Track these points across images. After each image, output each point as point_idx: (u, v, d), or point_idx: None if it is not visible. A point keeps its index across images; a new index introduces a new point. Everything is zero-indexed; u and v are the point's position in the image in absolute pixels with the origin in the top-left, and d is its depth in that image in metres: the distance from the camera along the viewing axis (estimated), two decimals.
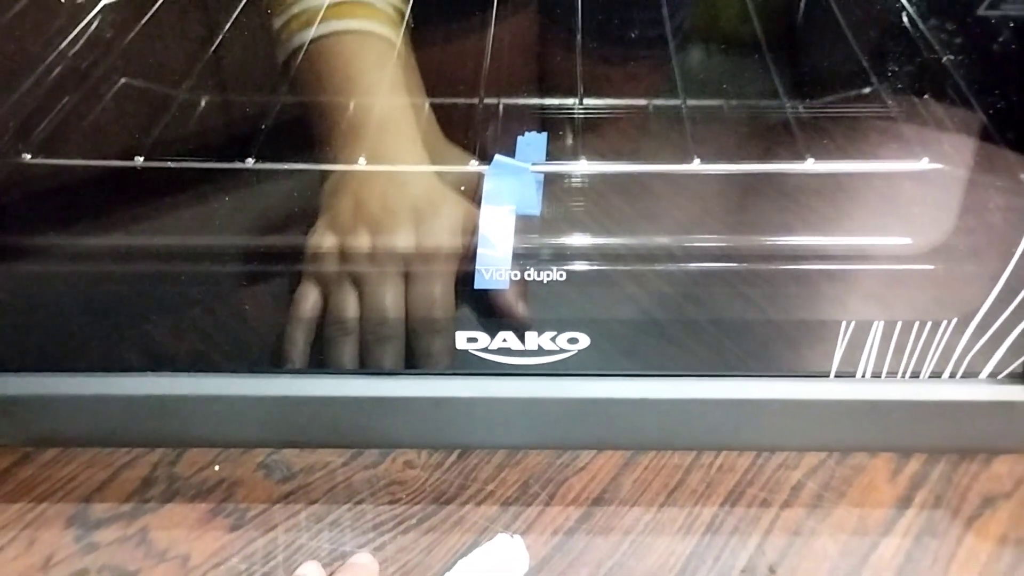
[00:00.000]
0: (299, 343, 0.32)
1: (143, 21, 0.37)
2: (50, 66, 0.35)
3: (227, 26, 0.37)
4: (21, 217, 0.32)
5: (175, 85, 0.38)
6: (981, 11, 0.29)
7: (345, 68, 0.36)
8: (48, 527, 0.34)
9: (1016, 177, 0.30)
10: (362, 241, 0.33)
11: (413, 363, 0.32)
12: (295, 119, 0.36)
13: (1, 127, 0.33)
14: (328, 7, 0.36)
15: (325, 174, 0.34)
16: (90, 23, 0.38)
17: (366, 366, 0.33)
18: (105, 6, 0.41)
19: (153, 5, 0.39)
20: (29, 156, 0.31)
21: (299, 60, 0.35)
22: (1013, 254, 0.30)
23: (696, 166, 0.32)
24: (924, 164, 0.32)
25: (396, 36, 0.36)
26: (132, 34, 0.37)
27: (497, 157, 0.33)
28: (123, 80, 0.39)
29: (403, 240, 0.33)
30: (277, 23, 0.37)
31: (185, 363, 0.33)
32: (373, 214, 0.33)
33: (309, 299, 0.32)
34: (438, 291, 0.32)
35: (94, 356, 0.33)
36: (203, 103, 0.37)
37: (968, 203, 0.31)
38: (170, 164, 0.31)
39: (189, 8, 0.39)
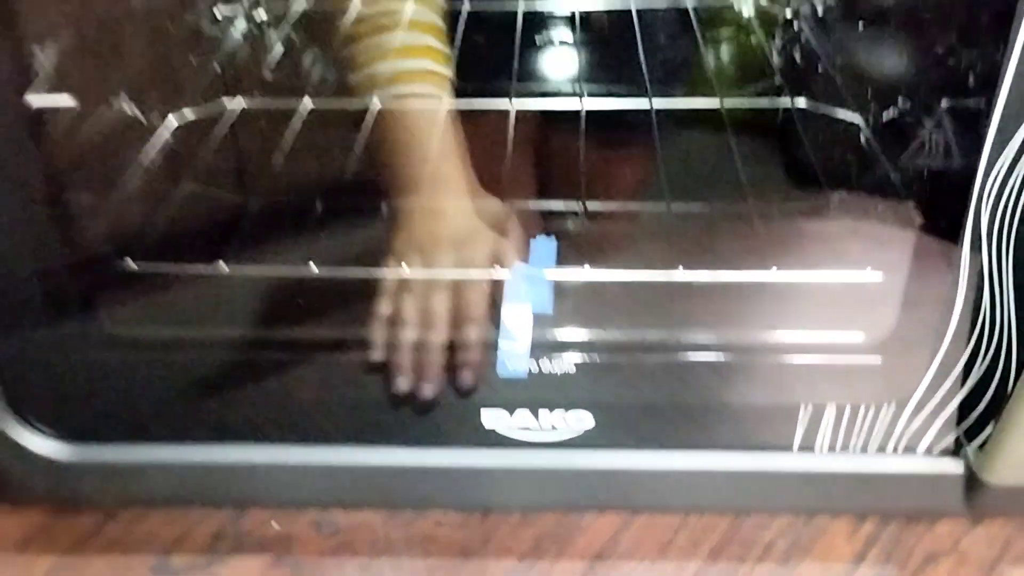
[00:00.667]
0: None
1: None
2: (137, 178, 0.43)
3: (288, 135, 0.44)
4: (119, 313, 0.39)
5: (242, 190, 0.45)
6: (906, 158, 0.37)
7: (412, 127, 0.44)
8: None
9: (944, 279, 0.37)
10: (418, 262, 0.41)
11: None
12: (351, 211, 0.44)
13: (101, 236, 0.40)
14: (400, 72, 0.44)
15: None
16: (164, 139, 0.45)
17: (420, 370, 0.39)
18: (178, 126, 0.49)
19: (221, 124, 0.47)
20: (131, 261, 0.38)
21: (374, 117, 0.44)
22: (940, 347, 0.37)
23: (680, 272, 0.40)
24: (871, 274, 0.39)
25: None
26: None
27: (516, 264, 0.40)
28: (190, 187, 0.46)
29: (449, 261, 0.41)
30: (352, 80, 0.45)
31: (248, 434, 0.40)
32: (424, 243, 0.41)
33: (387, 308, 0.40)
34: (475, 299, 0.40)
35: (173, 428, 0.40)
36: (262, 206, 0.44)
37: (907, 304, 0.38)
38: (250, 271, 0.38)
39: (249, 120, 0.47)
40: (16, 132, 0.34)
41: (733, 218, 0.44)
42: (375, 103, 0.46)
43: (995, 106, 0.32)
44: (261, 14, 0.51)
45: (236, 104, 0.49)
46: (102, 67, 0.42)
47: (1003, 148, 0.32)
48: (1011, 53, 0.31)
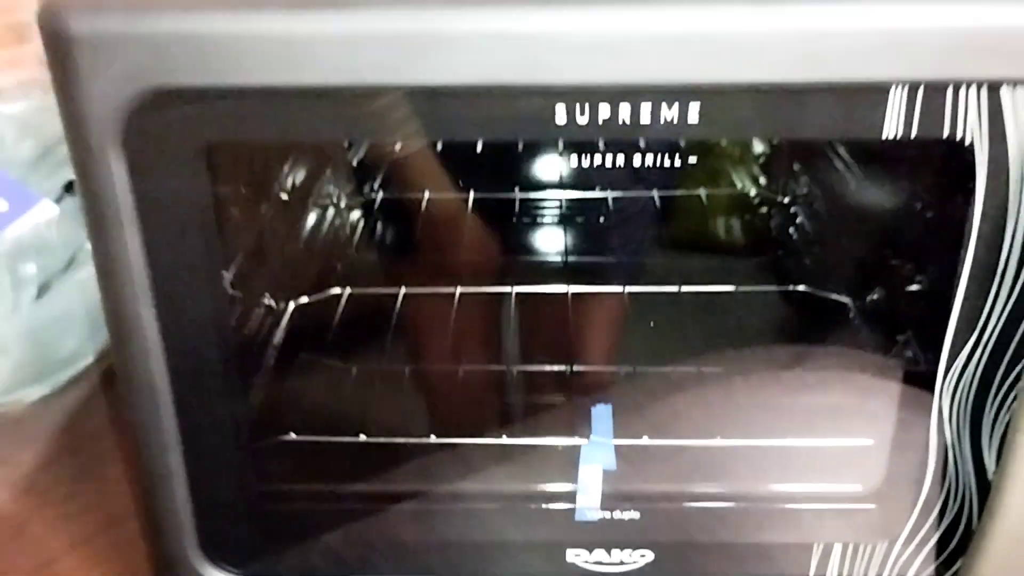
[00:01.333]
0: None
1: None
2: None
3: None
4: (283, 472, 0.50)
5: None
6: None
7: None
8: None
9: (919, 445, 0.48)
10: None
11: None
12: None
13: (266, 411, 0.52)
14: None
15: None
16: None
17: None
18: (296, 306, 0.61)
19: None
20: (294, 435, 0.50)
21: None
22: (920, 496, 0.48)
23: (716, 440, 0.51)
24: (864, 440, 0.50)
25: None
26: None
27: (593, 437, 0.51)
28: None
29: None
30: None
31: (379, 570, 0.50)
32: None
33: None
34: None
35: (328, 566, 0.50)
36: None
37: (892, 462, 0.49)
38: (389, 441, 0.49)
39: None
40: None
41: (756, 388, 0.56)
42: (457, 291, 0.59)
43: (950, 318, 0.44)
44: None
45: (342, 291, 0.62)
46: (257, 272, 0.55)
47: (957, 354, 0.44)
48: (959, 282, 0.43)
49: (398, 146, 0.58)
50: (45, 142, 0.78)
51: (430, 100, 0.39)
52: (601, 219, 0.64)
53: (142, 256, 0.42)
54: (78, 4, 0.39)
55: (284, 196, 0.58)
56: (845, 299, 0.61)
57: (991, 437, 0.45)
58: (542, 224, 0.64)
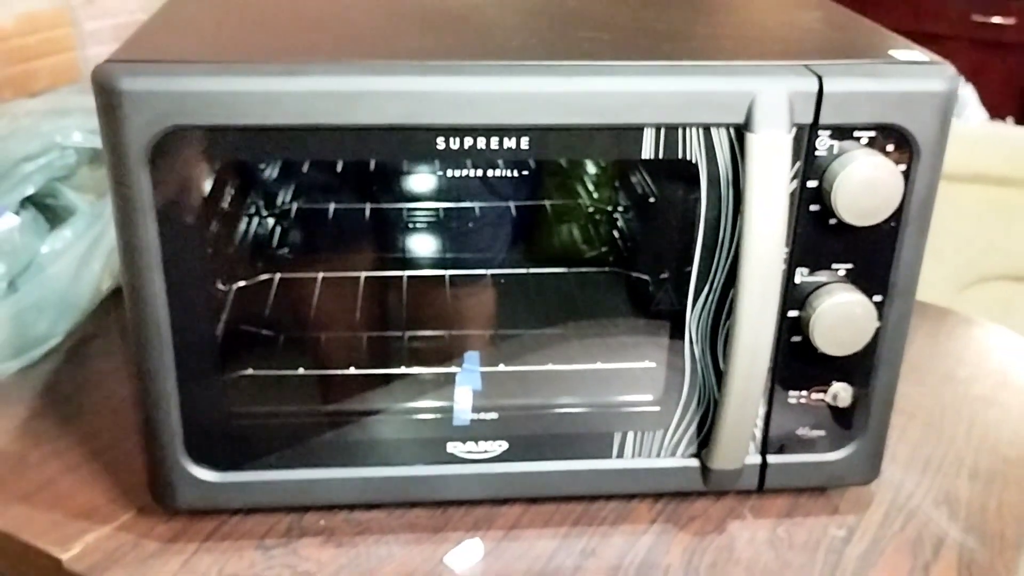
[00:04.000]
0: None
1: None
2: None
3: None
4: (246, 400, 0.72)
5: None
6: None
7: None
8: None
9: (680, 362, 0.73)
10: None
11: None
12: None
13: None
14: None
15: None
16: None
17: None
18: None
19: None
20: (252, 370, 0.71)
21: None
22: (682, 397, 0.73)
23: (549, 367, 0.76)
24: (650, 364, 0.75)
25: None
26: None
27: (465, 366, 0.75)
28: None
29: None
30: None
31: (312, 463, 0.72)
32: None
33: None
34: None
35: (272, 461, 0.72)
36: None
37: (667, 377, 0.74)
38: (320, 372, 0.71)
39: None
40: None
41: (582, 334, 0.81)
42: (362, 275, 0.81)
43: (691, 278, 0.69)
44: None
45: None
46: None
47: (696, 299, 0.69)
48: (695, 251, 0.69)
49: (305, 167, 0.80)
50: (3, 164, 0.96)
51: (357, 134, 0.62)
52: (470, 223, 0.88)
53: (156, 240, 0.64)
54: (123, 68, 0.60)
55: (225, 206, 0.80)
56: (645, 276, 0.86)
57: (724, 352, 0.71)
58: (427, 226, 0.87)
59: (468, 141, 0.63)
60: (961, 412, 0.91)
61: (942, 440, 0.87)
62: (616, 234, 0.89)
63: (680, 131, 0.64)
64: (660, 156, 0.65)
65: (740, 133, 0.64)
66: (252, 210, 0.81)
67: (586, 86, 0.63)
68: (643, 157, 0.65)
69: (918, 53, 0.68)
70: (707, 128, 0.64)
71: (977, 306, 1.83)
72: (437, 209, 0.84)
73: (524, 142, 0.64)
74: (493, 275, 0.84)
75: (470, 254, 0.85)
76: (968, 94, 2.32)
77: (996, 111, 2.46)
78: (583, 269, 0.88)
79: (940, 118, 0.65)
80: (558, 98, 0.63)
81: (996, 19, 2.93)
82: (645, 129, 0.64)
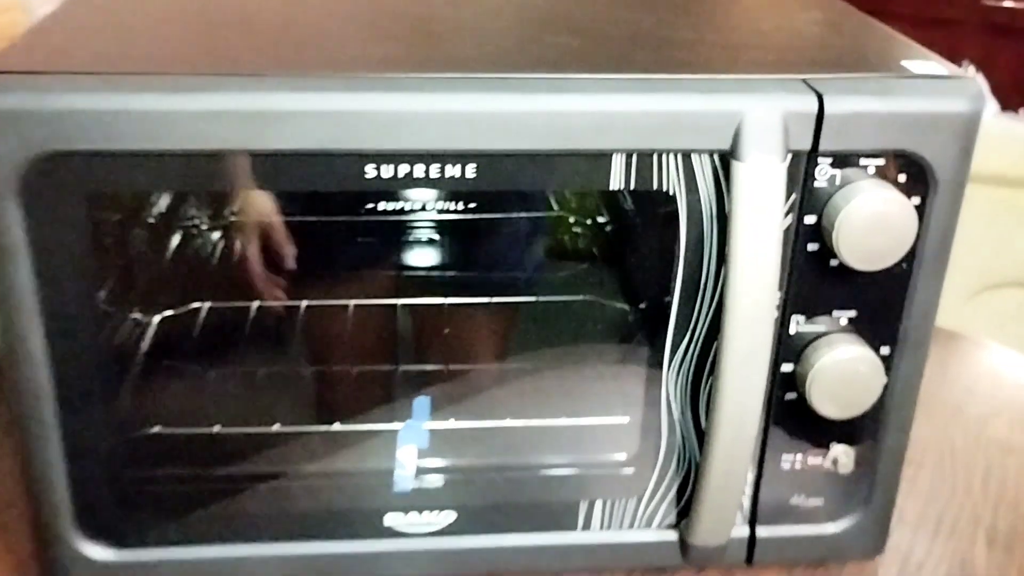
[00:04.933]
0: None
1: None
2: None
3: None
4: (149, 459, 0.63)
5: None
6: None
7: None
8: None
9: (656, 420, 0.64)
10: None
11: None
12: None
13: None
14: None
15: None
16: None
17: None
18: None
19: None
20: (159, 428, 0.62)
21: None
22: (658, 460, 0.64)
23: (507, 421, 0.66)
24: (624, 418, 0.66)
25: None
26: None
27: (408, 422, 0.66)
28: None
29: None
30: None
31: (228, 539, 0.63)
32: None
33: None
34: None
35: (184, 537, 0.63)
36: None
37: (642, 434, 0.65)
38: (239, 431, 0.62)
39: None
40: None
41: (545, 379, 0.72)
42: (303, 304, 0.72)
43: (668, 324, 0.60)
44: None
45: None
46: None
47: (675, 351, 0.60)
48: (673, 296, 0.60)
49: None
50: None
51: (267, 160, 0.53)
52: (428, 240, 0.78)
53: (31, 282, 0.54)
54: None
55: (152, 220, 0.70)
56: (622, 306, 0.77)
57: (707, 412, 0.62)
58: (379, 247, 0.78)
59: (402, 169, 0.54)
60: (975, 458, 0.82)
61: (956, 494, 0.78)
62: (594, 253, 0.79)
63: (655, 158, 0.55)
64: (631, 186, 0.56)
65: (725, 160, 0.55)
66: (164, 230, 0.72)
67: (543, 104, 0.53)
68: (611, 187, 0.56)
69: (936, 65, 0.59)
70: (687, 154, 0.55)
71: (987, 314, 1.74)
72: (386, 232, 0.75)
73: (470, 170, 0.54)
74: (448, 305, 0.75)
75: (419, 280, 0.76)
76: (979, 83, 2.22)
77: (1008, 102, 2.37)
78: (553, 298, 0.79)
79: (962, 144, 0.56)
80: (509, 118, 0.53)
81: (1008, 3, 2.83)
82: (614, 155, 0.55)
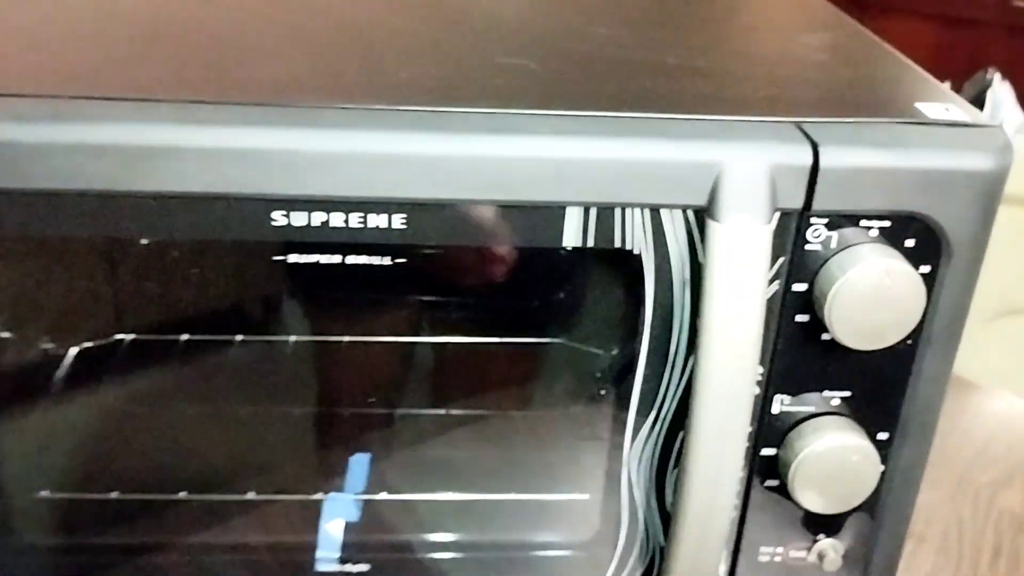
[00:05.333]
0: None
1: None
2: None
3: None
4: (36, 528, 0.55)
5: None
6: None
7: None
8: None
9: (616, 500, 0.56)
10: None
11: None
12: None
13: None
14: None
15: None
16: None
17: None
18: None
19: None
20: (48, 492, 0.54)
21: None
22: (619, 543, 0.56)
23: (442, 495, 0.58)
24: (584, 495, 0.58)
25: None
26: None
27: (332, 493, 0.58)
28: None
29: None
30: None
31: None
32: None
33: None
34: None
35: None
36: None
37: (604, 512, 0.57)
38: (140, 497, 0.55)
39: None
40: None
41: (496, 446, 0.64)
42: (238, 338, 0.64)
43: (631, 397, 0.52)
44: None
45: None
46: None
47: (639, 429, 0.52)
48: (637, 368, 0.51)
49: None
50: None
51: (154, 203, 0.45)
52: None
53: None
54: None
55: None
56: (591, 351, 0.69)
57: (673, 494, 0.54)
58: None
59: (318, 217, 0.46)
60: (985, 533, 0.74)
61: (960, 574, 0.70)
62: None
63: (617, 213, 0.47)
64: (589, 244, 0.47)
65: (701, 217, 0.47)
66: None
67: (484, 147, 0.45)
68: (565, 245, 0.48)
69: (957, 110, 0.50)
70: (655, 210, 0.47)
71: (1005, 341, 1.65)
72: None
73: (397, 221, 0.46)
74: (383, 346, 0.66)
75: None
76: (1004, 92, 2.12)
77: None
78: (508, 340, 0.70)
79: (983, 205, 0.47)
80: (443, 163, 0.45)
81: None
82: (568, 209, 0.47)
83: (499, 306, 0.56)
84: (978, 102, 1.75)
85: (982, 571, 0.70)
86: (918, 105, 0.50)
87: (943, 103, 0.51)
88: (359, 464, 0.60)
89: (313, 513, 0.57)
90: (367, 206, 0.46)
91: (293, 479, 0.58)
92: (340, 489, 0.58)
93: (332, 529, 0.57)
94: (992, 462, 0.81)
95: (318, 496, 0.57)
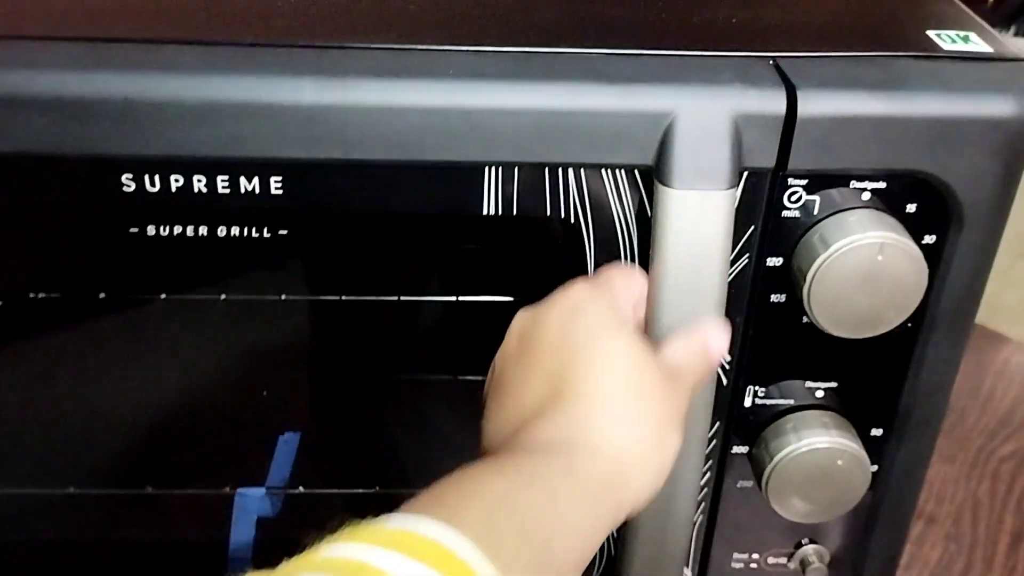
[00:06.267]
0: None
1: None
2: None
3: None
4: None
5: None
6: None
7: None
8: None
9: None
10: None
11: None
12: None
13: None
14: None
15: None
16: None
17: None
18: None
19: None
20: None
21: None
22: None
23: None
24: None
25: None
26: None
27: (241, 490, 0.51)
28: None
29: None
30: None
31: None
32: None
33: None
34: None
35: None
36: None
37: None
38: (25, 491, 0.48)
39: None
40: None
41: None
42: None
43: None
44: None
45: None
46: None
47: None
48: None
49: None
50: None
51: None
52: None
53: None
54: None
55: None
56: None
57: None
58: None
59: (176, 181, 0.38)
60: (1002, 515, 0.66)
61: (973, 565, 0.62)
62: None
63: (546, 175, 0.38)
64: (513, 211, 0.39)
65: (650, 180, 0.38)
66: None
67: (377, 94, 0.36)
68: (484, 212, 0.39)
69: (976, 38, 0.40)
70: (597, 170, 0.38)
71: None
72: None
73: (274, 185, 0.38)
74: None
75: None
76: None
77: None
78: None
79: (1004, 161, 0.38)
80: (324, 115, 0.36)
81: None
82: (486, 170, 0.38)
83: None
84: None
85: (999, 561, 0.62)
86: (930, 33, 0.40)
87: (962, 30, 0.41)
88: (282, 455, 0.53)
89: (226, 508, 0.51)
90: (234, 168, 0.37)
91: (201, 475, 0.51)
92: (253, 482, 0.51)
93: (244, 525, 0.50)
94: (1018, 429, 0.73)
95: (225, 490, 0.51)
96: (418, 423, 0.55)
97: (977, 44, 0.40)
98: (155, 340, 0.50)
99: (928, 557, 0.62)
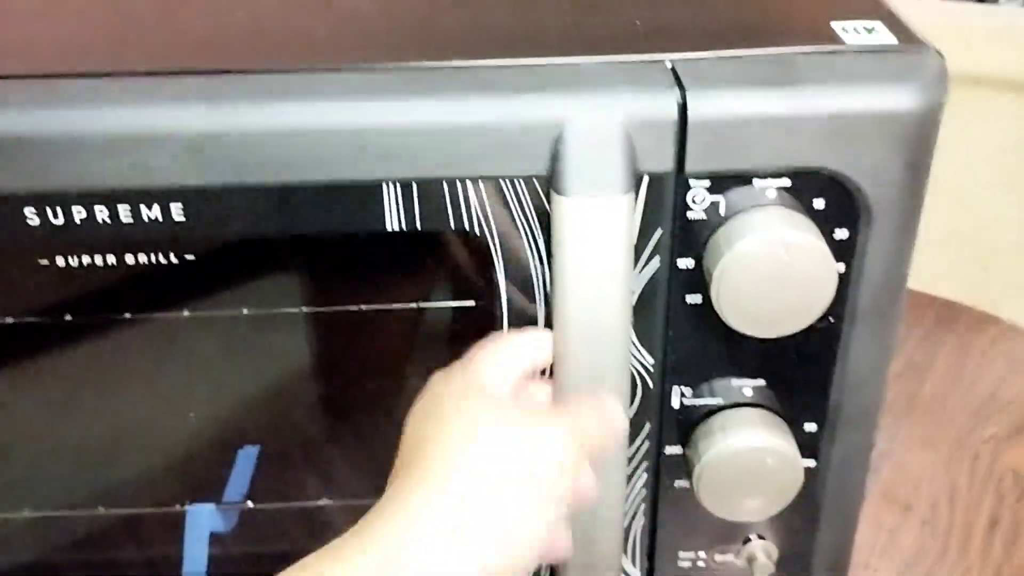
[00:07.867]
0: None
1: None
2: None
3: None
4: None
5: None
6: None
7: None
8: None
9: None
10: None
11: None
12: None
13: None
14: None
15: None
16: None
17: None
18: None
19: None
20: None
21: None
22: None
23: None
24: None
25: None
26: None
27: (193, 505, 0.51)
28: None
29: None
30: None
31: None
32: None
33: None
34: None
35: None
36: None
37: None
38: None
39: None
40: None
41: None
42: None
43: None
44: None
45: None
46: None
47: None
48: None
49: None
50: None
51: None
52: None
53: None
54: None
55: None
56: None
57: None
58: None
59: (79, 213, 0.38)
60: (981, 500, 0.65)
61: (945, 558, 0.61)
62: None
63: (444, 188, 0.38)
64: (417, 226, 0.39)
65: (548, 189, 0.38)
66: None
67: (261, 117, 0.36)
68: (388, 228, 0.39)
69: (883, 28, 0.39)
70: (494, 182, 0.38)
71: None
72: None
73: (175, 211, 0.38)
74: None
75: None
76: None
77: None
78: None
79: (909, 155, 0.37)
80: (212, 140, 0.36)
81: None
82: (384, 187, 0.38)
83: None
84: None
85: (975, 545, 0.61)
86: (834, 25, 0.40)
87: (870, 19, 0.40)
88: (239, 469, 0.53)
89: (177, 526, 0.51)
90: (135, 196, 0.38)
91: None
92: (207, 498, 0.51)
93: (197, 541, 0.51)
94: (999, 411, 0.71)
95: (176, 508, 0.51)
96: (374, 433, 0.56)
97: (881, 35, 0.39)
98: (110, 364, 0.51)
99: (900, 546, 0.62)
